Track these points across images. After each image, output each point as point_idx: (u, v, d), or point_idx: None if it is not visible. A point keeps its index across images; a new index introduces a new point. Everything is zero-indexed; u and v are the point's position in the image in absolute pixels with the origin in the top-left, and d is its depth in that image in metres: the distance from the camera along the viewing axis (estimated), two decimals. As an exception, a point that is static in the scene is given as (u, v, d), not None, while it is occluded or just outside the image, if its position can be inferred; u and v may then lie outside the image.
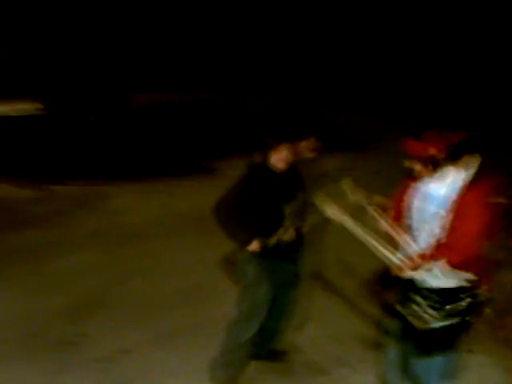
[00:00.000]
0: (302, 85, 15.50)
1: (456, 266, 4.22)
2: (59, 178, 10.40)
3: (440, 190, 4.25)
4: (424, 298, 4.36)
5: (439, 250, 4.22)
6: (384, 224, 4.44)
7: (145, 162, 11.29)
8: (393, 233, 4.40)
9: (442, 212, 4.20)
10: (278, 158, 4.96)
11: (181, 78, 15.70)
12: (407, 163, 4.29)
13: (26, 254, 7.74)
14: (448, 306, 4.31)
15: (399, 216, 4.46)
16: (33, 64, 12.38)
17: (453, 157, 4.19)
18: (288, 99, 14.97)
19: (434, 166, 4.20)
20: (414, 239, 4.40)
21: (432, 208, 4.26)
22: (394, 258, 4.32)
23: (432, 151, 4.17)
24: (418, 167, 4.26)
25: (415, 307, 4.40)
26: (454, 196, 4.17)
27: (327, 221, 4.51)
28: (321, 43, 16.43)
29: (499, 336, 5.86)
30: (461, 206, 4.13)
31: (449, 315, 4.32)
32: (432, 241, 4.29)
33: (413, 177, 4.37)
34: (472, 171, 4.19)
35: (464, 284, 4.28)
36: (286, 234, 4.99)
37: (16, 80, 12.65)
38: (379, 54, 16.05)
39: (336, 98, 15.23)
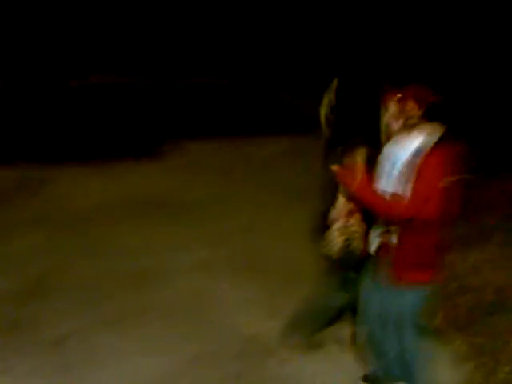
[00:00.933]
0: (252, 64, 15.41)
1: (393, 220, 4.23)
2: (11, 159, 10.20)
3: (405, 151, 4.22)
4: None
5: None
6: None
7: (87, 145, 11.15)
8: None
9: (406, 173, 4.19)
10: None
11: (135, 59, 15.48)
12: (382, 114, 4.28)
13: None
14: None
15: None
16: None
17: (427, 117, 4.21)
18: (236, 79, 14.93)
19: (408, 120, 4.21)
20: None
21: (397, 168, 4.24)
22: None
23: (411, 105, 4.20)
24: (391, 119, 4.26)
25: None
26: (416, 160, 4.16)
27: None
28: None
29: (449, 317, 5.97)
30: (419, 169, 4.13)
31: None
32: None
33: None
34: (436, 137, 4.18)
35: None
36: None
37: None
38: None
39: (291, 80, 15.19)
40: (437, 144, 4.16)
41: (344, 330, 5.56)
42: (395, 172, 4.24)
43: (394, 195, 4.21)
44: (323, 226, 4.80)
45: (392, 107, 4.25)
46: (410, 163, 4.18)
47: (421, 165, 4.13)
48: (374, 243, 4.44)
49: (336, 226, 4.72)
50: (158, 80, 15.14)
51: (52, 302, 6.21)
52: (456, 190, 4.18)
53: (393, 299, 4.40)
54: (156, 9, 15.69)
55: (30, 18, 12.29)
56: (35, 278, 6.67)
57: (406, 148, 4.22)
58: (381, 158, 4.34)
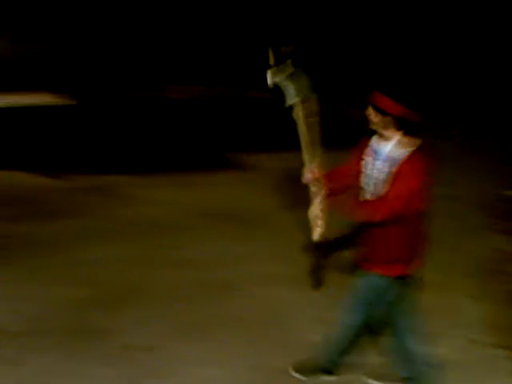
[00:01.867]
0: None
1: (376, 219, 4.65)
2: (86, 169, 10.40)
3: (386, 148, 4.71)
4: None
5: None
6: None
7: (173, 154, 11.29)
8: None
9: (386, 171, 4.68)
10: None
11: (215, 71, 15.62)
12: (369, 112, 4.70)
13: (55, 245, 7.72)
14: None
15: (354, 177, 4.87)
16: (62, 55, 12.39)
17: (406, 128, 4.66)
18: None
19: (394, 124, 4.63)
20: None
21: (378, 164, 4.72)
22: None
23: (399, 111, 4.59)
24: (376, 120, 4.67)
25: None
26: (391, 168, 4.65)
27: None
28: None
29: None
30: (398, 173, 4.60)
31: None
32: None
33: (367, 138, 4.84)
34: (412, 148, 4.66)
35: None
36: None
37: (46, 71, 12.66)
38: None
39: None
40: (412, 154, 4.64)
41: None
42: (378, 165, 4.74)
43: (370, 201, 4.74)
44: None
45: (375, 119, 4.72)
46: (385, 171, 4.68)
47: (398, 171, 4.61)
48: None
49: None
50: (231, 92, 15.21)
51: (134, 310, 6.30)
52: (426, 190, 4.66)
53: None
54: (231, 23, 15.83)
55: (109, 32, 12.52)
56: (101, 285, 6.78)
57: (388, 145, 4.71)
58: (367, 150, 4.82)
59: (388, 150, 4.71)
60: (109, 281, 6.86)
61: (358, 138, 5.01)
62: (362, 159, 4.85)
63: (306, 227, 7.71)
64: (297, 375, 5.26)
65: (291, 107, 4.89)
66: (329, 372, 5.22)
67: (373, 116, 4.68)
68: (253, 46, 15.72)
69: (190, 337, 5.84)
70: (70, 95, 13.11)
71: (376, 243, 4.77)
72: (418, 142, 4.70)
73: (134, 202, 9.16)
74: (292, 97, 4.85)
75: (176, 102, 14.58)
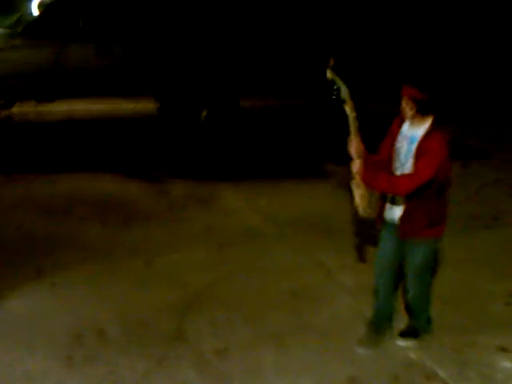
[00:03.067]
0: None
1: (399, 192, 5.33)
2: (172, 174, 10.55)
3: (414, 132, 5.31)
4: None
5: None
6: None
7: (257, 163, 11.36)
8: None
9: (413, 150, 5.29)
10: None
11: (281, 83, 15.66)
12: (402, 103, 5.29)
13: (137, 248, 7.89)
14: None
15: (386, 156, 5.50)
16: (148, 62, 12.58)
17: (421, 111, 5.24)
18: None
19: (417, 108, 5.21)
20: None
21: (407, 146, 5.34)
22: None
23: (419, 95, 5.17)
24: (407, 106, 5.25)
25: None
26: (413, 146, 5.28)
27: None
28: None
29: None
30: (419, 149, 5.23)
31: None
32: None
33: (400, 119, 5.43)
34: (428, 125, 5.28)
35: None
36: None
37: (133, 78, 12.86)
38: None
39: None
40: (430, 130, 5.24)
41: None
42: (408, 154, 5.34)
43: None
44: None
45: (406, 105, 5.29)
46: (410, 150, 5.31)
47: (419, 147, 5.22)
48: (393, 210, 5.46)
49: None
50: (319, 102, 15.18)
51: (214, 314, 6.36)
52: (448, 160, 5.28)
53: (411, 251, 5.50)
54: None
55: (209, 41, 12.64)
56: (200, 289, 6.86)
57: (409, 136, 5.34)
58: (399, 136, 5.42)
59: (415, 131, 5.32)
60: (187, 285, 6.94)
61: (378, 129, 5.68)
62: (393, 145, 5.44)
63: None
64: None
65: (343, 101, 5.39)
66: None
67: (404, 104, 5.26)
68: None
69: (270, 344, 5.85)
70: (156, 100, 13.28)
71: (422, 210, 5.32)
72: (431, 118, 5.28)
73: (231, 209, 9.24)
74: (344, 91, 5.34)
75: (270, 109, 14.65)
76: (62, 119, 13.85)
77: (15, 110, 13.64)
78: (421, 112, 5.23)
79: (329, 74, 5.34)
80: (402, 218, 5.41)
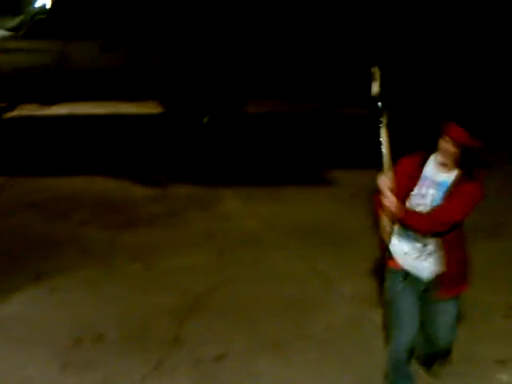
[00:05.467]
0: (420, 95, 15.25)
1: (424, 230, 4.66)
2: (173, 178, 10.56)
3: (444, 176, 4.65)
4: None
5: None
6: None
7: (259, 168, 11.37)
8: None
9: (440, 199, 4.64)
10: None
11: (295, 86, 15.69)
12: (447, 146, 4.56)
13: (137, 252, 7.88)
14: None
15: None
16: (153, 65, 12.61)
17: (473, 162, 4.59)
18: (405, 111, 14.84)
19: (464, 159, 4.54)
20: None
21: (436, 192, 4.66)
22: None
23: (474, 146, 4.49)
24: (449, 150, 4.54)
25: None
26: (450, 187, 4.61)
27: None
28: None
29: None
30: (452, 192, 4.59)
31: None
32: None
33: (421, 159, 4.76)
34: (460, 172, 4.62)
35: None
36: None
37: (139, 81, 12.89)
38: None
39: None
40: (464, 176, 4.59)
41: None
42: (433, 204, 4.66)
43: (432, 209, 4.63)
44: None
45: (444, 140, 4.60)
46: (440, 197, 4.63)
47: (452, 192, 4.59)
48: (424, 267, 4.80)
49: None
50: (324, 108, 15.22)
51: (213, 320, 6.37)
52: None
53: (442, 310, 4.90)
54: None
55: (212, 45, 12.66)
56: (199, 295, 6.86)
57: (439, 181, 4.66)
58: (421, 180, 4.73)
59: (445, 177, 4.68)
60: (186, 291, 6.94)
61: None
62: (412, 187, 4.78)
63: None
64: None
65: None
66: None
67: (450, 148, 4.57)
68: (345, 62, 15.79)
69: (268, 352, 5.85)
70: (159, 104, 13.30)
71: (452, 267, 4.77)
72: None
73: (231, 215, 9.22)
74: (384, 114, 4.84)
75: (271, 115, 14.67)
76: (64, 122, 13.87)
77: (18, 112, 13.66)
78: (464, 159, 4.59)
79: (375, 89, 4.83)
80: (444, 275, 4.79)
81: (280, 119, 14.60)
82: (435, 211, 4.62)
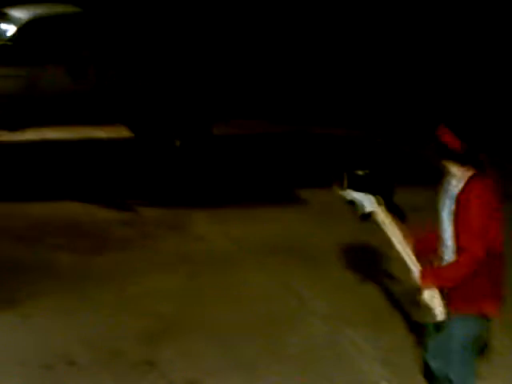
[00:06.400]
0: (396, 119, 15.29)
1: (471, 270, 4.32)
2: (144, 201, 10.53)
3: (455, 189, 4.44)
4: None
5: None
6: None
7: (230, 189, 11.37)
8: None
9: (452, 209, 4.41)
10: None
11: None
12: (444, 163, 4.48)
13: (109, 275, 7.85)
14: None
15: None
16: (119, 89, 12.58)
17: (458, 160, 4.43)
18: (375, 132, 14.91)
19: (462, 162, 4.40)
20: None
21: (448, 203, 4.47)
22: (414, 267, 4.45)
23: (464, 147, 4.37)
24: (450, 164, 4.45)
25: None
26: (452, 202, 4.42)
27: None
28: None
29: None
30: (461, 207, 4.34)
31: None
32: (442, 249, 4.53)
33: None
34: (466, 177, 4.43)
35: None
36: None
37: (107, 106, 12.82)
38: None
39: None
40: (469, 181, 4.37)
41: None
42: (449, 214, 4.46)
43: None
44: None
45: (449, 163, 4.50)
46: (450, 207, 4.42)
47: (461, 203, 4.34)
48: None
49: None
50: (293, 128, 15.25)
51: (186, 343, 6.34)
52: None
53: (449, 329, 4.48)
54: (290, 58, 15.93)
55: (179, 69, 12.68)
56: (168, 318, 6.83)
57: (448, 191, 4.48)
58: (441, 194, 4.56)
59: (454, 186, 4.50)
60: (159, 313, 6.91)
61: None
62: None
63: (373, 267, 7.76)
64: None
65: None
66: None
67: (452, 165, 4.48)
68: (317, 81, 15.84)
69: (243, 374, 5.84)
70: (128, 127, 13.28)
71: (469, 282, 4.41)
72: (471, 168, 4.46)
73: (202, 237, 9.19)
74: (370, 204, 4.60)
75: (242, 137, 14.69)
76: (33, 147, 13.78)
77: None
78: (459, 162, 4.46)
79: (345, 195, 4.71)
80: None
81: (251, 141, 14.61)
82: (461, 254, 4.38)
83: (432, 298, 4.41)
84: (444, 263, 4.55)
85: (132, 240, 8.96)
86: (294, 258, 8.36)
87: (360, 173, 4.68)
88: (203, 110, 12.93)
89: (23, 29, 12.58)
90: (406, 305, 6.90)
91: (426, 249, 4.64)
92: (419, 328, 6.25)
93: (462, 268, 4.36)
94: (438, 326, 4.52)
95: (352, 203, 4.65)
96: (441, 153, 4.48)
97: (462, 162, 4.41)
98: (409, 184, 11.68)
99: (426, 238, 4.68)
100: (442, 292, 4.42)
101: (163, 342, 6.35)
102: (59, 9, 13.43)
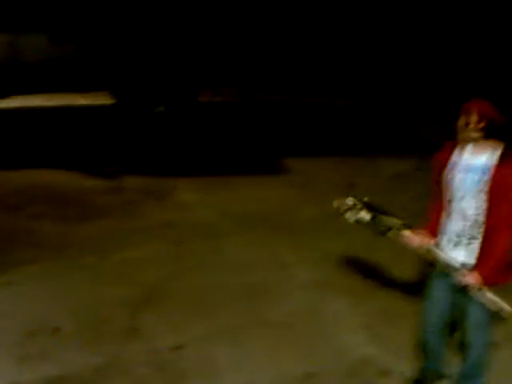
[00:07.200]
0: (384, 87, 15.24)
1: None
2: (127, 169, 10.49)
3: (481, 160, 4.43)
4: None
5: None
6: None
7: (213, 158, 11.35)
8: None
9: (483, 182, 4.39)
10: None
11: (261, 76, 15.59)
12: (467, 123, 4.40)
13: (92, 243, 7.84)
14: None
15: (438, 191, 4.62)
16: (102, 55, 12.49)
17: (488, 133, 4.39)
18: (365, 101, 14.88)
19: (487, 131, 4.36)
20: (448, 220, 4.57)
21: (474, 177, 4.43)
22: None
23: (496, 116, 4.36)
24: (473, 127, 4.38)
25: None
26: (484, 176, 4.38)
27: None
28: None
29: None
30: (499, 177, 4.34)
31: None
32: (464, 223, 4.49)
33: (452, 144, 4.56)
34: (499, 151, 4.42)
35: None
36: None
37: (88, 72, 12.75)
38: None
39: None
40: (506, 153, 4.39)
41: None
42: (474, 187, 4.44)
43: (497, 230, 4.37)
44: None
45: (461, 118, 4.45)
46: (481, 180, 4.40)
47: (494, 179, 4.34)
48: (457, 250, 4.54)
49: None
50: (277, 98, 15.21)
51: (169, 310, 6.35)
52: None
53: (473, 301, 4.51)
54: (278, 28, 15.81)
55: (163, 35, 12.59)
56: (152, 285, 6.84)
57: (476, 164, 4.45)
58: (453, 165, 4.52)
59: (483, 159, 4.46)
60: (142, 281, 6.91)
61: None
62: (445, 175, 4.58)
63: (352, 235, 7.75)
64: None
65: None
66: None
67: (474, 123, 4.40)
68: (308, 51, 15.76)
69: (226, 339, 5.85)
70: (111, 94, 13.20)
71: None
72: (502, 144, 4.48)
73: (186, 205, 9.19)
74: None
75: (228, 104, 14.64)
76: (15, 115, 13.69)
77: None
78: (489, 136, 4.42)
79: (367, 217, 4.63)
80: (479, 260, 4.50)
81: (235, 109, 14.57)
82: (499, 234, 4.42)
83: (492, 295, 4.43)
84: (464, 241, 4.56)
85: (115, 208, 8.96)
86: (277, 226, 8.38)
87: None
88: (188, 76, 12.86)
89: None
90: (392, 275, 6.94)
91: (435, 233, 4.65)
92: (404, 298, 6.33)
93: (507, 245, 4.41)
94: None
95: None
96: (487, 128, 4.39)
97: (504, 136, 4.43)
98: (394, 152, 11.81)
99: (431, 225, 4.71)
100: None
101: (146, 309, 6.35)
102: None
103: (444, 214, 4.64)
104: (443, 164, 4.59)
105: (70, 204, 9.05)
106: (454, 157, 4.56)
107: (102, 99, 13.72)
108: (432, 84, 14.86)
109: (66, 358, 5.56)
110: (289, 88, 15.39)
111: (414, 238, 4.57)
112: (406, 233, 4.57)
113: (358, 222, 4.64)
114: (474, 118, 4.37)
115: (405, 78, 15.15)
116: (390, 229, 4.60)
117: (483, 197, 4.42)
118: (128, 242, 7.86)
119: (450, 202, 4.58)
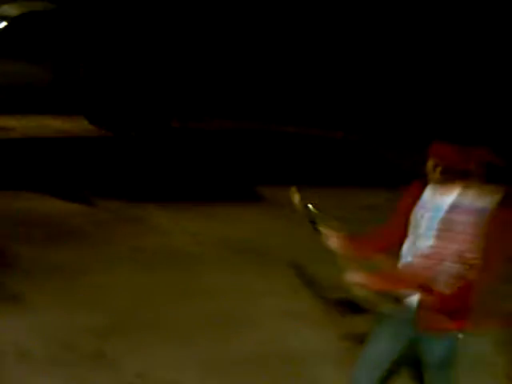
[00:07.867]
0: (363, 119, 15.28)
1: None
2: (100, 193, 10.44)
3: (448, 200, 4.28)
4: None
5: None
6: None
7: (187, 184, 11.33)
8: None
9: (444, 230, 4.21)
10: None
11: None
12: (432, 166, 4.31)
13: (63, 266, 7.75)
14: None
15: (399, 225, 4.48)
16: (78, 79, 12.53)
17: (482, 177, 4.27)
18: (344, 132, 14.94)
19: (462, 178, 4.25)
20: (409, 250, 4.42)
21: (437, 216, 4.28)
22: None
23: (470, 165, 4.24)
24: (438, 174, 4.29)
25: None
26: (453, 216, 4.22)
27: None
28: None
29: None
30: (498, 221, 4.20)
31: None
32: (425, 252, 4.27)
33: (418, 186, 4.46)
34: (497, 198, 4.25)
35: None
36: None
37: (64, 95, 12.78)
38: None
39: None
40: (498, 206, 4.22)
41: None
42: (434, 226, 4.27)
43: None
44: None
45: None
46: (448, 219, 4.22)
47: (497, 219, 4.18)
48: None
49: None
50: (259, 126, 15.26)
51: (137, 338, 6.28)
52: None
53: (432, 345, 4.36)
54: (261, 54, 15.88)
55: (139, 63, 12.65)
56: (122, 311, 6.78)
57: (442, 203, 4.29)
58: (420, 204, 4.40)
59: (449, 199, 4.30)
60: (112, 308, 6.85)
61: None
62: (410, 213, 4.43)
63: (330, 267, 7.71)
64: None
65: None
66: None
67: (430, 165, 4.34)
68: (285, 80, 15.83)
69: (193, 367, 5.83)
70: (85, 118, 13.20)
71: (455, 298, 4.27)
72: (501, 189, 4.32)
73: (159, 230, 9.16)
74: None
75: (208, 133, 14.68)
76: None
77: None
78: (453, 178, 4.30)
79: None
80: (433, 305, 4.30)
81: (212, 135, 14.59)
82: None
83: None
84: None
85: (86, 233, 8.89)
86: (250, 254, 8.36)
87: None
88: (160, 102, 12.89)
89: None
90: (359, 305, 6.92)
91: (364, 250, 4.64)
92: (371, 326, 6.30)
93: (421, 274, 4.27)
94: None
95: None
96: (445, 172, 4.28)
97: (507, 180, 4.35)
98: (370, 185, 11.84)
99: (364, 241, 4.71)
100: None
101: (115, 336, 6.29)
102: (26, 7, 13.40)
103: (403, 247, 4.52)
104: (411, 201, 4.47)
105: (41, 227, 8.96)
106: (424, 195, 4.44)
107: (76, 122, 13.71)
108: (414, 115, 14.92)
109: (33, 383, 5.49)
110: (267, 117, 15.45)
111: (331, 237, 4.65)
112: (326, 230, 4.69)
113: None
114: (431, 163, 4.32)
115: (387, 110, 15.22)
116: (314, 222, 4.77)
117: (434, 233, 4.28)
118: (99, 267, 7.80)
119: (409, 237, 4.45)
